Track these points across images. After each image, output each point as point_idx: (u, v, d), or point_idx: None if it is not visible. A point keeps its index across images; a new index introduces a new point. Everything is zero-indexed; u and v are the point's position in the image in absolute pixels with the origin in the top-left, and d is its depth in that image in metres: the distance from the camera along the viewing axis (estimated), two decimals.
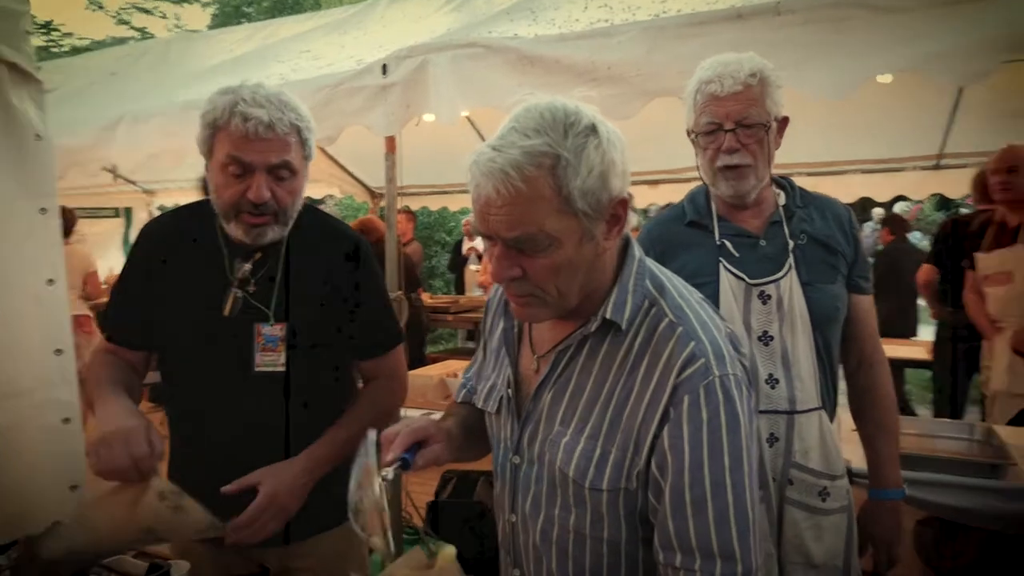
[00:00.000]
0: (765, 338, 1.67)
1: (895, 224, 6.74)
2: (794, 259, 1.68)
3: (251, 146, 1.45)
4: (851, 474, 1.79)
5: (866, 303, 1.79)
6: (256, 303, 1.59)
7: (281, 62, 4.17)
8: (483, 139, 5.42)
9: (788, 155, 5.54)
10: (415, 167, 4.42)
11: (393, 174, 3.03)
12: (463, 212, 10.24)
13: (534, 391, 1.18)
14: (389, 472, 1.13)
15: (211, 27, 18.25)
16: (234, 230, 1.53)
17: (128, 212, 8.87)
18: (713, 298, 1.65)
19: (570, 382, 1.14)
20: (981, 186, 4.27)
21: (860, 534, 1.76)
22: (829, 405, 1.73)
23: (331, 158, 6.56)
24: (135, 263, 1.68)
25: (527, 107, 1.04)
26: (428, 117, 2.94)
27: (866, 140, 5.33)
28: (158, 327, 1.64)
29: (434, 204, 7.87)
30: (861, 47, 2.16)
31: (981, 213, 4.04)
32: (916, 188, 5.97)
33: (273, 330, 1.58)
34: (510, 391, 1.23)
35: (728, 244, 1.71)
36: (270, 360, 1.58)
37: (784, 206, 1.73)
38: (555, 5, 3.23)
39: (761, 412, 1.65)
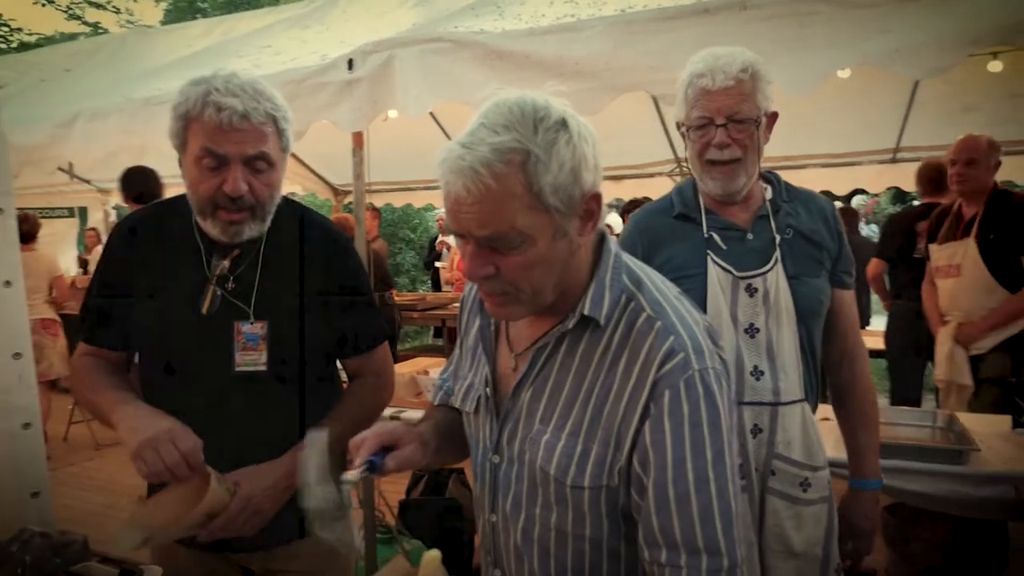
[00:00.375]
0: (751, 330, 1.68)
1: (846, 216, 6.87)
2: (780, 253, 1.69)
3: (226, 137, 1.39)
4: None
5: (848, 297, 1.81)
6: (236, 301, 1.54)
7: (241, 57, 4.11)
8: (447, 135, 5.46)
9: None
10: (378, 164, 4.37)
11: (361, 170, 2.99)
12: (428, 209, 10.21)
13: (512, 389, 1.17)
14: (351, 475, 1.11)
15: (164, 23, 17.88)
16: (211, 228, 1.48)
17: (83, 212, 8.67)
18: (700, 290, 1.66)
19: (549, 379, 1.13)
20: (926, 179, 4.39)
21: (840, 524, 1.78)
22: (812, 397, 1.75)
23: (293, 155, 6.49)
24: (110, 262, 1.62)
25: (496, 102, 1.02)
26: (392, 113, 2.91)
27: (824, 135, 5.43)
28: (135, 328, 1.58)
29: (398, 201, 7.83)
30: (826, 42, 2.19)
31: (927, 206, 4.14)
32: (873, 182, 6.10)
33: (253, 328, 1.53)
34: (488, 390, 1.21)
35: (716, 237, 1.71)
36: (251, 359, 1.53)
37: (771, 200, 1.74)
38: (520, 0, 3.22)
39: (746, 403, 1.66)
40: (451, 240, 9.79)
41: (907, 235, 4.31)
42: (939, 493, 2.29)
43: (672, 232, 1.76)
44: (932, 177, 4.31)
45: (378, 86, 2.78)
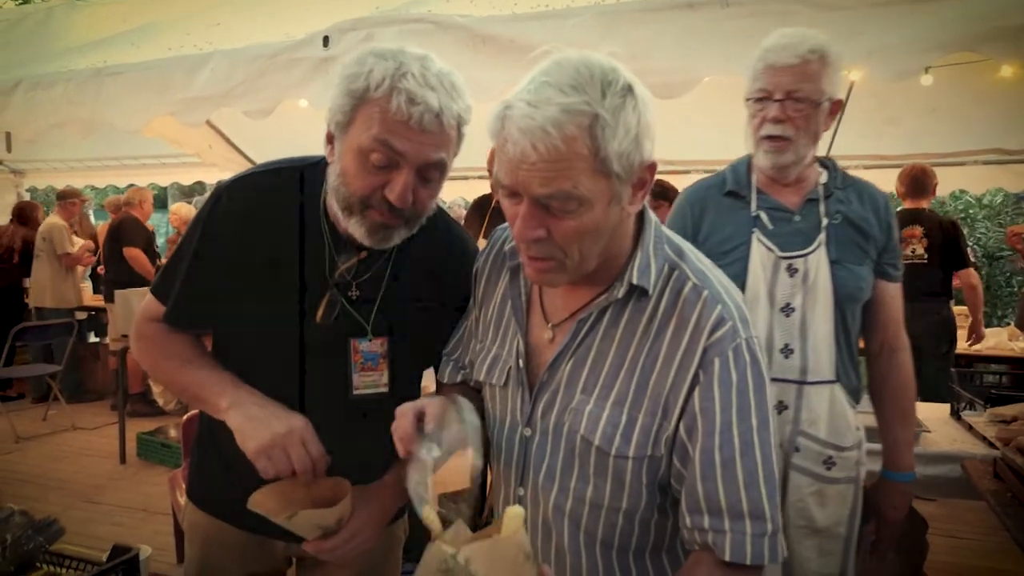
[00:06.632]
0: (787, 309, 1.71)
1: None
2: (826, 236, 1.72)
3: (410, 135, 1.15)
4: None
5: (892, 289, 1.82)
6: (355, 312, 1.34)
7: (189, 34, 3.96)
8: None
9: (683, 152, 5.80)
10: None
11: None
12: None
13: (552, 361, 1.15)
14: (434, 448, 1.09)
15: None
16: (353, 226, 1.24)
17: None
18: (742, 267, 1.71)
19: (591, 350, 1.12)
20: (910, 182, 4.73)
21: (866, 506, 1.83)
22: (847, 382, 1.76)
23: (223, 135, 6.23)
24: (209, 236, 1.34)
25: (558, 61, 0.98)
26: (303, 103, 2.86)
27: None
28: (233, 322, 1.37)
29: None
30: None
31: (911, 211, 4.56)
32: None
33: (372, 346, 1.36)
34: (521, 362, 1.18)
35: (763, 216, 1.75)
36: (371, 381, 1.37)
37: (824, 184, 1.77)
38: None
39: (772, 380, 1.68)
40: None
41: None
42: None
43: (720, 207, 1.79)
44: (917, 178, 4.67)
45: None
